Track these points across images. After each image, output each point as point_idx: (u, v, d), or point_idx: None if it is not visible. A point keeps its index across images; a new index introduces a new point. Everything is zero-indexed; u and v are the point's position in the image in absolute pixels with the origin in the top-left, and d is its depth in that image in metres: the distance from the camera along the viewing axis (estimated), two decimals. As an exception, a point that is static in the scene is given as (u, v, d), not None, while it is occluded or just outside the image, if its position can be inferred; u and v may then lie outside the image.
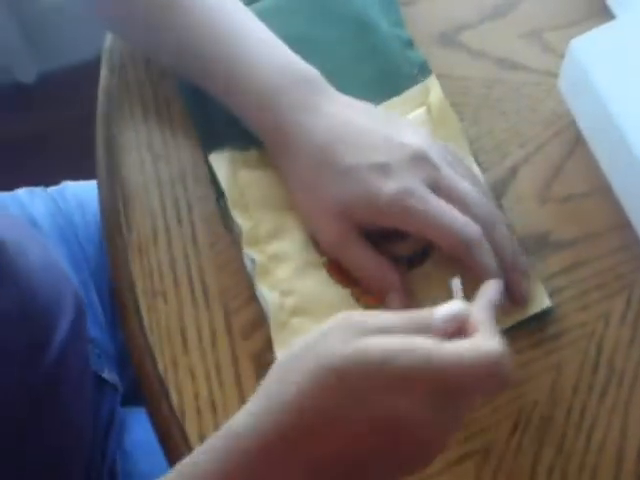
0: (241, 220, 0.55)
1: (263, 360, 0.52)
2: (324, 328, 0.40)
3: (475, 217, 0.50)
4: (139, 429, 0.73)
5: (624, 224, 0.55)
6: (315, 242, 0.54)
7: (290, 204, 0.55)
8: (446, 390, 0.39)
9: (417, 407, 0.38)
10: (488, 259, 0.49)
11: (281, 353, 0.51)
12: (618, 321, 0.53)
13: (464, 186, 0.51)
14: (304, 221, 0.55)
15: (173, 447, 0.49)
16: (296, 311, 0.52)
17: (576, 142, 0.57)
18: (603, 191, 0.56)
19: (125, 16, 0.59)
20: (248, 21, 0.57)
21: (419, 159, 0.51)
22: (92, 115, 0.62)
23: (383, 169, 0.50)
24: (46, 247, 0.69)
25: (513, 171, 0.57)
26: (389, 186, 0.50)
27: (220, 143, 0.58)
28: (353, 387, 0.38)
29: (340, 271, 0.53)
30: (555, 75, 0.58)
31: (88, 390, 0.65)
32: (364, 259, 0.52)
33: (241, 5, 0.57)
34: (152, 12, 0.57)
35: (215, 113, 0.58)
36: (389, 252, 0.53)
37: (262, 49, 0.55)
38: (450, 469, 0.49)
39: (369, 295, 0.53)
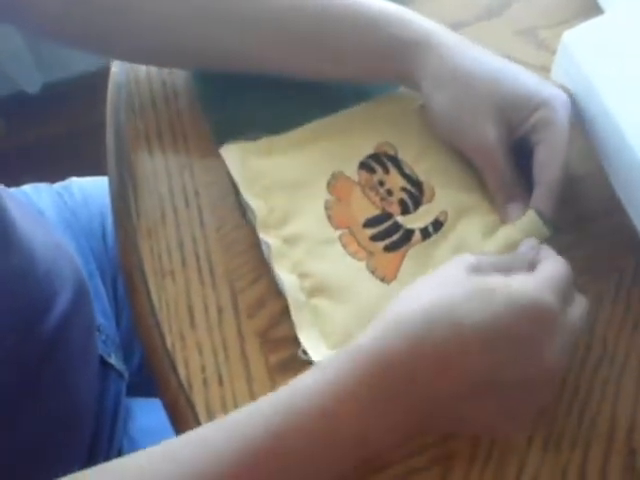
0: (256, 206, 0.56)
1: (268, 337, 0.53)
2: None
3: None
4: (144, 417, 0.74)
5: (617, 208, 0.56)
6: (329, 217, 0.56)
7: (302, 185, 0.57)
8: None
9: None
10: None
11: (302, 334, 0.52)
12: (610, 302, 0.54)
13: None
14: (450, 127, 0.56)
15: (181, 418, 0.51)
16: (314, 292, 0.53)
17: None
18: (597, 177, 0.57)
19: None
20: None
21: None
22: (96, 125, 0.64)
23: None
24: (49, 229, 0.69)
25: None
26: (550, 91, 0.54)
27: (232, 132, 0.59)
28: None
29: (355, 242, 0.55)
30: (549, 70, 0.60)
31: (92, 371, 0.66)
32: (507, 170, 0.54)
33: None
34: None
35: (230, 104, 0.60)
36: (402, 224, 0.55)
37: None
38: (446, 443, 0.50)
39: (384, 266, 0.54)
